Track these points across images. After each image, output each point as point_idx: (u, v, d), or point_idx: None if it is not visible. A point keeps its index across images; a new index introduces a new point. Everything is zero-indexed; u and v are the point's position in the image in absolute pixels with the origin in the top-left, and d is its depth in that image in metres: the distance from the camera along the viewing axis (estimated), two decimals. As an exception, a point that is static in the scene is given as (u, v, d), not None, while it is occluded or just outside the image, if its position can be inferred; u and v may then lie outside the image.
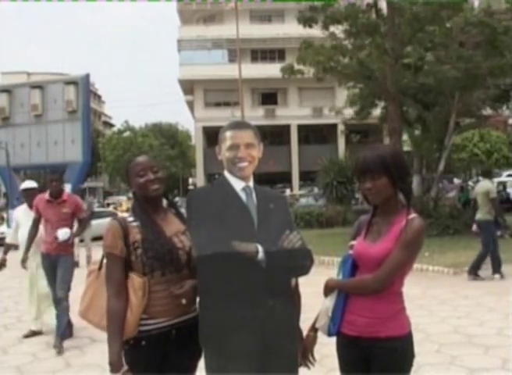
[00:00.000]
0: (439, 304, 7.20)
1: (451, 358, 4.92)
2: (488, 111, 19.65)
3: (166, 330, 2.35)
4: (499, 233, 13.62)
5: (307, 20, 15.16)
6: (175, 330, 2.35)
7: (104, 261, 2.42)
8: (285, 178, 36.83)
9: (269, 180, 28.65)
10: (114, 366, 2.29)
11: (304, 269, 2.23)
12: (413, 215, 2.25)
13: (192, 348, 2.39)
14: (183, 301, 2.32)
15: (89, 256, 13.01)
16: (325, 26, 15.27)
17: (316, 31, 15.84)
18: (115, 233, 2.35)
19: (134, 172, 2.40)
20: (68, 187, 18.76)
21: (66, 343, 5.65)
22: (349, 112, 20.35)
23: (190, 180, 51.93)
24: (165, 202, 2.53)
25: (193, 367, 2.47)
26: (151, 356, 2.33)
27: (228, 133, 2.28)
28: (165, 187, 2.45)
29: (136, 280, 2.28)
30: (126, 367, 2.30)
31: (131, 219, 2.42)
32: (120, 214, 17.29)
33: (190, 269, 2.36)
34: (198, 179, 39.57)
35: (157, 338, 2.33)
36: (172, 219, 2.49)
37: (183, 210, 2.44)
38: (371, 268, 2.23)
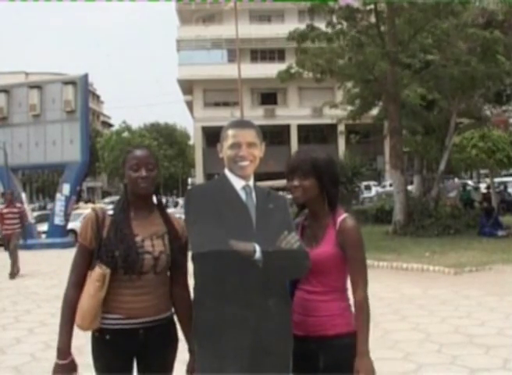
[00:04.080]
0: (440, 304, 7.16)
1: (452, 359, 4.90)
2: (488, 111, 19.64)
3: (131, 328, 2.32)
4: (500, 233, 13.68)
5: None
6: (143, 330, 2.33)
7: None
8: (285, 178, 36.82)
9: (269, 180, 28.58)
10: (61, 353, 2.31)
11: (301, 271, 2.22)
12: (343, 215, 2.31)
13: (165, 348, 2.39)
14: None
15: None
16: (332, 25, 15.27)
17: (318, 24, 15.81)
18: (88, 225, 2.35)
19: (129, 164, 2.37)
20: (67, 188, 18.79)
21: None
22: (343, 114, 20.27)
23: (190, 180, 51.85)
24: (155, 199, 2.49)
25: (170, 367, 2.45)
26: (116, 352, 2.32)
27: (230, 132, 2.26)
28: (155, 186, 2.43)
29: (96, 271, 2.27)
30: (72, 357, 2.32)
31: (112, 212, 2.41)
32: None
33: (157, 273, 2.35)
34: (198, 179, 39.55)
35: (122, 335, 2.31)
36: (155, 219, 2.43)
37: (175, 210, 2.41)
38: (311, 271, 2.24)
